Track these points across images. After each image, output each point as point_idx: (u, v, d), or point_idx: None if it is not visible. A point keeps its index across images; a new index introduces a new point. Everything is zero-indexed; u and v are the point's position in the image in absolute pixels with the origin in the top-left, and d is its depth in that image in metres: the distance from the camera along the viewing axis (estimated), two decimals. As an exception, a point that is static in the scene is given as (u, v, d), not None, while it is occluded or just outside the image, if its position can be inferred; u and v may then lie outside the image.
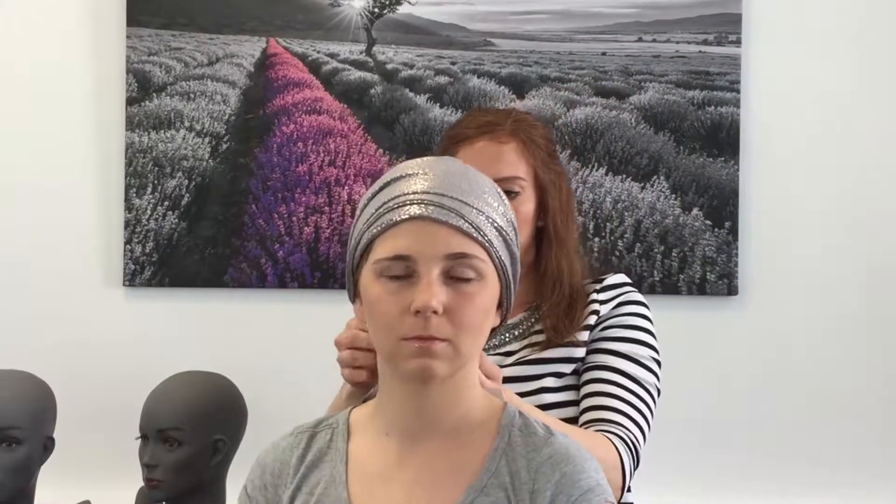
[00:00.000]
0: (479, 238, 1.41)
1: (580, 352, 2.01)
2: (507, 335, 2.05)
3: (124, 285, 2.90)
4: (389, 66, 2.94)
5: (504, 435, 1.45)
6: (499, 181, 1.81)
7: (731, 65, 2.84)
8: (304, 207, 2.88)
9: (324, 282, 2.87)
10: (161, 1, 2.93)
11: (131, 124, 2.91)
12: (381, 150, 2.89)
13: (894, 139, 2.84)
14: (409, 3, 2.90)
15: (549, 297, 2.03)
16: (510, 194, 1.95)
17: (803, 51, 2.84)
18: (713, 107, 2.84)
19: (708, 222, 2.81)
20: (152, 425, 2.37)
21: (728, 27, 2.84)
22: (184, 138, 2.92)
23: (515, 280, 1.50)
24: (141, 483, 2.41)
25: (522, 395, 1.90)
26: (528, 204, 2.02)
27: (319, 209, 2.88)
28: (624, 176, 2.85)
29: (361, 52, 2.94)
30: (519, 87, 2.90)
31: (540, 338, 2.03)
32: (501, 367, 1.91)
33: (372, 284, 1.42)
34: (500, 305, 1.47)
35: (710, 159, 2.83)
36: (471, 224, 1.40)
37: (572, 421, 1.96)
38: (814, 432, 2.83)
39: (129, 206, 2.90)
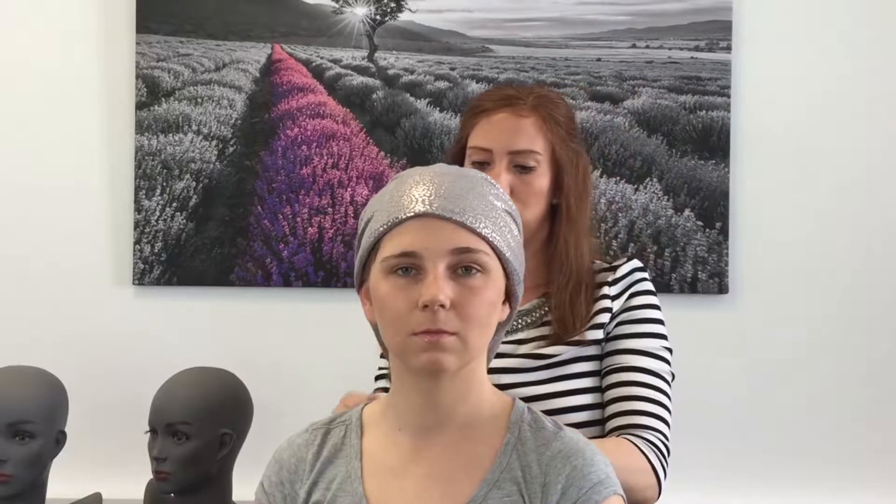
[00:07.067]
0: (483, 232, 1.42)
1: (590, 350, 1.96)
2: (520, 322, 1.99)
3: (134, 284, 2.92)
4: (391, 72, 2.96)
5: (514, 430, 1.47)
6: (514, 154, 1.88)
7: (722, 70, 2.86)
8: (308, 208, 2.90)
9: (327, 280, 2.89)
10: (169, 9, 2.94)
11: (141, 128, 2.92)
12: (382, 153, 2.91)
13: (883, 141, 2.86)
14: (410, 10, 2.92)
15: (556, 279, 1.98)
16: (525, 169, 1.94)
17: (792, 56, 2.87)
18: (704, 111, 2.87)
19: (699, 223, 2.84)
20: (161, 419, 2.37)
21: (719, 34, 2.87)
22: (191, 141, 2.93)
23: (520, 273, 1.50)
24: (150, 476, 2.41)
25: (533, 398, 1.87)
26: (543, 179, 1.96)
27: (323, 210, 2.90)
28: (618, 178, 2.87)
29: (364, 58, 2.96)
30: (516, 91, 2.95)
31: (549, 330, 1.97)
32: (511, 355, 1.92)
33: (381, 282, 1.43)
34: (507, 300, 1.48)
35: (702, 162, 2.86)
36: (474, 219, 1.42)
37: (584, 425, 1.91)
38: (803, 428, 2.85)
39: (138, 208, 2.91)
